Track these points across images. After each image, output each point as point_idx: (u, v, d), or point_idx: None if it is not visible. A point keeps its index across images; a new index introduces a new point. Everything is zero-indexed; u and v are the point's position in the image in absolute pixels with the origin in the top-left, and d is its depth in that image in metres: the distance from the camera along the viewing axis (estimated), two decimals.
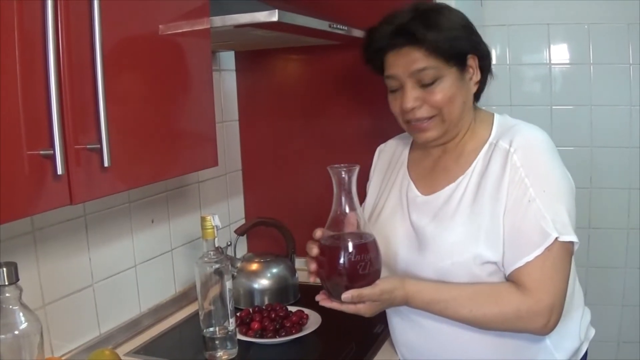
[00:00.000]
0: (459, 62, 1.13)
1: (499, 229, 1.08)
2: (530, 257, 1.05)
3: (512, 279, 1.08)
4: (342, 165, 1.04)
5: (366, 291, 1.03)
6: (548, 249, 1.04)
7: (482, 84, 1.19)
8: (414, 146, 1.31)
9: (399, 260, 1.19)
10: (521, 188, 1.07)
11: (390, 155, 1.36)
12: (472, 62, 1.15)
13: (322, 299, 1.08)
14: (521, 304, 1.05)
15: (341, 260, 1.01)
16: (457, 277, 1.10)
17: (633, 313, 2.13)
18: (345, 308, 1.05)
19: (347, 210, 1.05)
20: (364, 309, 1.05)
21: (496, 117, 1.21)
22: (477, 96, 1.21)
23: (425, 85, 1.12)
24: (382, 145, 1.42)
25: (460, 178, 1.15)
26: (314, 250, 1.05)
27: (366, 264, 1.01)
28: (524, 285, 1.05)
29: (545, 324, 1.05)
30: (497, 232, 1.08)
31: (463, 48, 1.13)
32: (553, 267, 1.05)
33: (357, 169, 1.05)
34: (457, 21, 1.14)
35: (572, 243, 1.07)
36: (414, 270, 1.16)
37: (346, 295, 1.02)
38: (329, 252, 1.03)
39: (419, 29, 1.10)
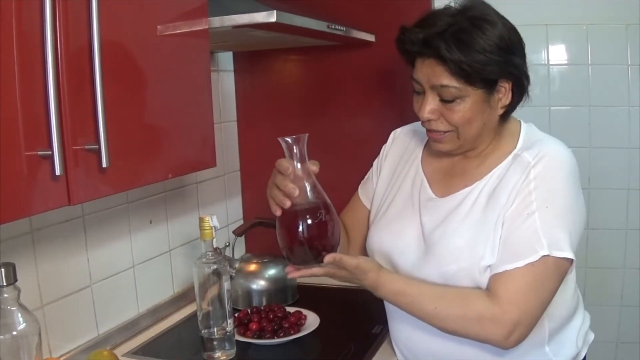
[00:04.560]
0: (487, 86, 1.08)
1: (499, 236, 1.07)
2: (509, 267, 1.04)
3: (489, 285, 1.06)
4: (291, 136, 1.05)
5: (345, 258, 1.05)
6: (532, 264, 1.02)
7: (512, 107, 1.13)
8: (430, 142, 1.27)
9: (404, 261, 1.18)
10: (526, 200, 1.06)
11: (406, 145, 1.32)
12: (505, 85, 1.09)
13: (289, 272, 1.08)
14: (486, 310, 1.04)
15: (300, 229, 1.03)
16: (460, 284, 1.09)
17: (632, 314, 2.13)
18: (317, 271, 1.06)
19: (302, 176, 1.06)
20: (333, 272, 1.07)
21: (523, 127, 1.18)
22: (504, 116, 1.14)
23: (445, 101, 1.09)
24: (397, 130, 1.38)
25: (477, 182, 1.14)
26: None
27: (320, 224, 1.03)
28: (495, 292, 1.04)
29: (505, 337, 1.03)
30: (498, 240, 1.07)
31: (492, 73, 1.06)
32: (531, 284, 1.03)
33: (305, 137, 1.05)
34: (495, 41, 1.05)
35: (567, 261, 1.05)
36: (418, 272, 1.14)
37: (328, 258, 1.03)
38: (284, 223, 1.07)
39: (446, 46, 1.03)
